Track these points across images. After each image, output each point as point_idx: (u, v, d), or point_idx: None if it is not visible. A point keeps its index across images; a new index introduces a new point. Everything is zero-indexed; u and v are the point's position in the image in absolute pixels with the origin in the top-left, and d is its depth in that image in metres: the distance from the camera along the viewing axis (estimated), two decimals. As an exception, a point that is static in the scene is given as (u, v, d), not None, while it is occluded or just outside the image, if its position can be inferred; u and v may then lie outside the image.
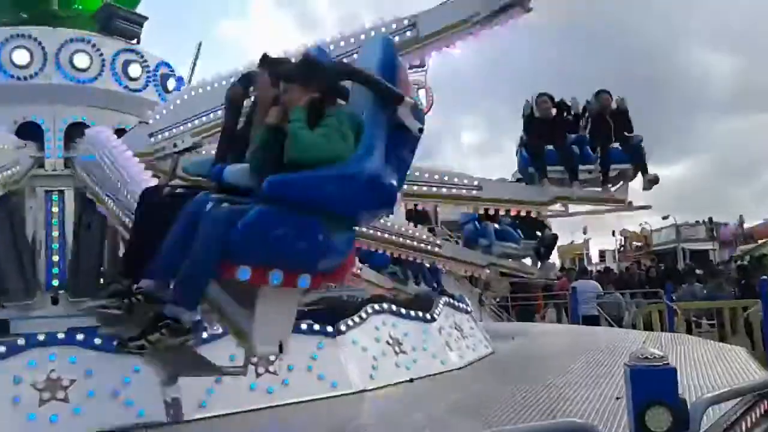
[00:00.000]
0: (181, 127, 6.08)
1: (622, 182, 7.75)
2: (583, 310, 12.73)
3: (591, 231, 37.33)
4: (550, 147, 7.64)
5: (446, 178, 7.54)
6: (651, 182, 7.44)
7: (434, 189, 7.48)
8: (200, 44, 12.42)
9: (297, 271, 2.99)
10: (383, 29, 5.28)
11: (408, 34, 5.39)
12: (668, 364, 1.74)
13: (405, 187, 6.49)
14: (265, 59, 3.59)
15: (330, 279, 3.47)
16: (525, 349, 8.13)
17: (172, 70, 7.71)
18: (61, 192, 6.47)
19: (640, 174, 7.56)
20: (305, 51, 3.68)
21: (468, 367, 6.38)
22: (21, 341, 4.41)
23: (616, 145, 7.61)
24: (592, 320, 12.42)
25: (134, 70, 7.23)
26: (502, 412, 4.30)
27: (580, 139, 7.78)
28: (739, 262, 20.39)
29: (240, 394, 4.77)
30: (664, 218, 34.67)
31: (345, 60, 4.47)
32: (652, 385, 1.73)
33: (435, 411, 4.79)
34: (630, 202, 7.75)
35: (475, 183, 7.52)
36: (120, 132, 6.44)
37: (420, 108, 3.55)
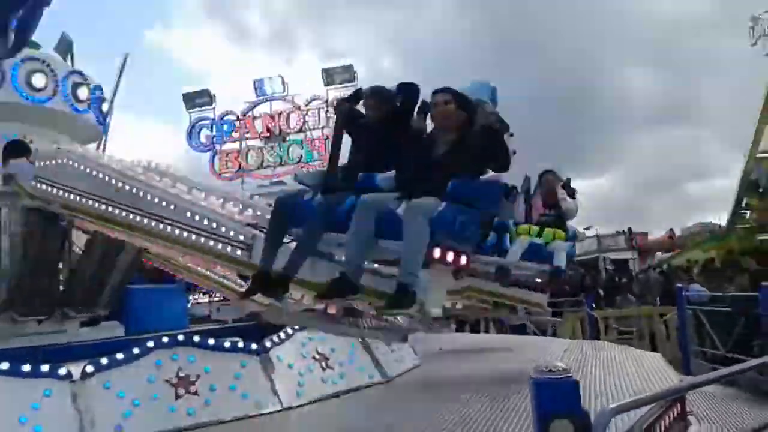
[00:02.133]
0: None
1: None
2: (509, 319, 12.96)
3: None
4: None
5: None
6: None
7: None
8: (126, 56, 12.10)
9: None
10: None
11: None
12: (571, 376, 1.78)
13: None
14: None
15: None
16: (451, 358, 8.21)
17: (85, 79, 7.50)
18: None
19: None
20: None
21: (395, 380, 6.39)
22: None
23: None
24: (519, 329, 12.67)
25: (83, 92, 7.07)
26: (421, 423, 4.33)
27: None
28: (658, 270, 21.26)
29: (158, 416, 4.63)
30: (586, 229, 35.89)
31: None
32: (555, 397, 1.76)
33: (361, 426, 4.77)
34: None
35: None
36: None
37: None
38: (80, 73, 7.22)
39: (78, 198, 6.06)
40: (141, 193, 5.75)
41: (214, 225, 5.19)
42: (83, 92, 7.08)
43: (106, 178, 6.02)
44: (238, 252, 4.96)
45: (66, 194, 6.11)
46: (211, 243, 5.18)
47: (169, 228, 5.50)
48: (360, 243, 3.76)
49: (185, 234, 5.37)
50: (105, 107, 7.78)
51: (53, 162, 6.39)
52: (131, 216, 5.74)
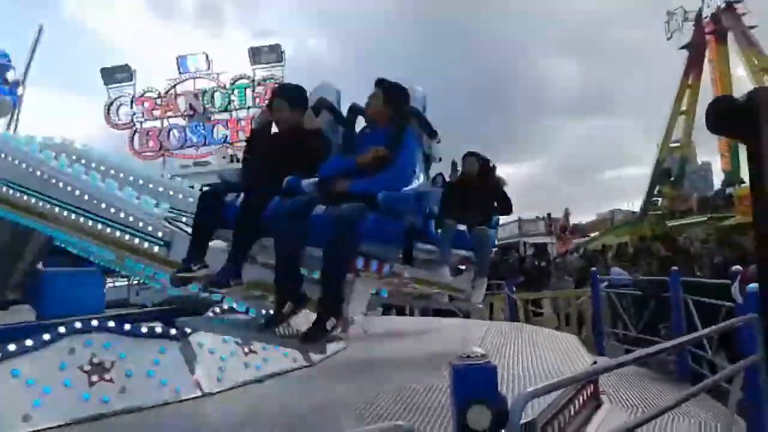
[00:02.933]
0: None
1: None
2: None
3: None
4: None
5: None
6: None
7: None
8: (41, 27, 11.45)
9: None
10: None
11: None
12: (489, 362, 1.81)
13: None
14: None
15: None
16: (376, 342, 8.27)
17: (9, 61, 7.08)
18: None
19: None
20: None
21: (320, 363, 6.37)
22: None
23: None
24: (442, 311, 12.89)
25: None
26: (346, 408, 4.35)
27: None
28: (576, 254, 22.07)
29: (71, 405, 4.46)
30: (509, 214, 36.87)
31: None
32: (473, 383, 1.79)
33: (283, 411, 4.75)
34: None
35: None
36: None
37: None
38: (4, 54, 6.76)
39: None
40: (53, 180, 5.48)
41: (131, 218, 5.01)
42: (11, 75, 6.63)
43: (16, 162, 5.70)
44: (156, 248, 4.81)
45: None
46: (127, 237, 5.00)
47: (81, 219, 5.27)
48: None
49: (99, 226, 5.16)
50: (11, 76, 7.26)
51: None
52: (41, 203, 5.46)
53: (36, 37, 10.53)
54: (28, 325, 5.62)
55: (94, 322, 4.93)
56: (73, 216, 5.33)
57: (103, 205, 5.19)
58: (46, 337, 4.64)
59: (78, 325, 4.82)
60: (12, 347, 4.47)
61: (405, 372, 5.63)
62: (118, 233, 5.10)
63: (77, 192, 5.37)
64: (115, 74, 30.34)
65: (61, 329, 4.72)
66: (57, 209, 5.42)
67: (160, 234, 4.83)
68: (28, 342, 4.55)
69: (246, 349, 5.74)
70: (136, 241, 5.00)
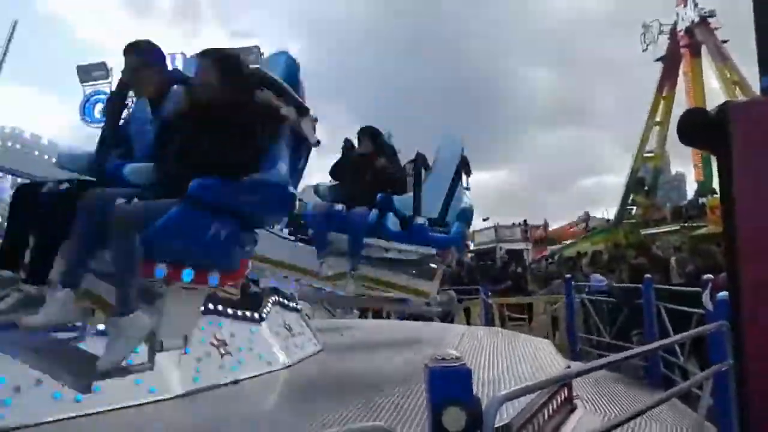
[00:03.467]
0: None
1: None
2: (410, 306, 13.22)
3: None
4: None
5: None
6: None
7: None
8: (15, 22, 11.26)
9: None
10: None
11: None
12: (464, 364, 1.84)
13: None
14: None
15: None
16: (351, 344, 8.28)
17: None
18: None
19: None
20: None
21: (295, 366, 6.37)
22: None
23: None
24: (418, 316, 12.93)
25: None
26: (321, 411, 4.35)
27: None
28: (549, 261, 22.27)
29: (42, 404, 4.39)
30: (485, 220, 37.26)
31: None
32: (448, 385, 1.82)
33: (255, 413, 4.73)
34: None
35: None
36: None
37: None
38: None
39: None
40: None
41: None
42: None
43: None
44: None
45: None
46: None
47: None
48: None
49: None
50: None
51: None
52: None
53: (10, 33, 10.29)
54: None
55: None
56: None
57: None
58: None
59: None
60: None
61: (380, 375, 5.65)
62: None
63: None
64: (92, 72, 29.93)
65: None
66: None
67: None
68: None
69: (222, 351, 5.71)
70: None
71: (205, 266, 3.15)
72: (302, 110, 3.42)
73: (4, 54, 10.68)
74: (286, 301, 7.43)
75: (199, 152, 3.13)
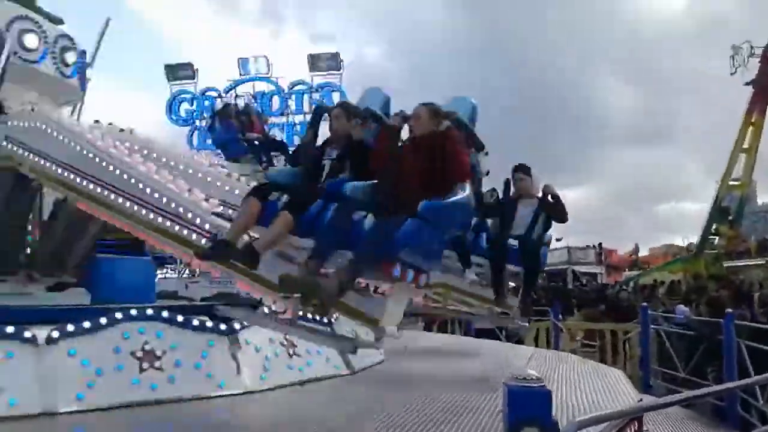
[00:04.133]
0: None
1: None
2: (477, 323, 13.08)
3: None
4: None
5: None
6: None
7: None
8: (108, 20, 11.86)
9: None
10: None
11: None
12: (544, 386, 1.82)
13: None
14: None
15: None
16: (416, 358, 8.25)
17: (74, 44, 7.33)
18: None
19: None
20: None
21: (359, 374, 6.41)
22: None
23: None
24: (485, 333, 12.77)
25: (30, 40, 6.82)
26: (386, 420, 4.35)
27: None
28: (622, 288, 21.57)
29: (121, 389, 4.60)
30: (558, 240, 36.35)
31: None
32: (527, 405, 1.80)
33: (318, 417, 4.79)
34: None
35: None
36: None
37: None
38: (69, 38, 7.04)
39: (46, 163, 5.93)
40: (110, 167, 5.64)
41: (181, 210, 5.11)
42: (71, 56, 6.91)
43: (77, 147, 5.88)
44: (203, 241, 4.91)
45: (35, 158, 5.98)
46: (177, 228, 5.10)
47: (135, 207, 5.40)
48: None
49: (151, 215, 5.28)
50: (70, 58, 7.55)
51: (25, 124, 6.23)
52: (97, 188, 5.62)
53: (102, 29, 10.81)
54: (86, 308, 5.78)
55: (149, 311, 5.07)
56: (127, 203, 5.45)
57: (156, 195, 5.30)
58: (103, 320, 4.79)
59: (134, 312, 4.97)
60: (70, 327, 4.64)
61: (445, 389, 5.60)
62: (168, 223, 5.18)
63: (132, 180, 5.49)
64: (179, 71, 31.07)
65: (118, 315, 4.87)
66: (111, 195, 5.56)
67: (207, 227, 4.90)
68: (86, 324, 4.71)
69: (291, 351, 5.81)
70: (185, 232, 5.09)
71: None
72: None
73: (97, 49, 11.25)
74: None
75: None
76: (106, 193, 5.58)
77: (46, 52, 6.67)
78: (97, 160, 5.70)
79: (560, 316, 12.47)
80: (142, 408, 4.59)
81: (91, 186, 5.66)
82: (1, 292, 6.02)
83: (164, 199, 5.25)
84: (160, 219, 5.23)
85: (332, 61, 30.32)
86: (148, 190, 5.34)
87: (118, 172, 5.55)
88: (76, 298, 6.60)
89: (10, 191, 6.02)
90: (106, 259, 7.52)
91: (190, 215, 5.06)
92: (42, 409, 4.26)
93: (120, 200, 5.51)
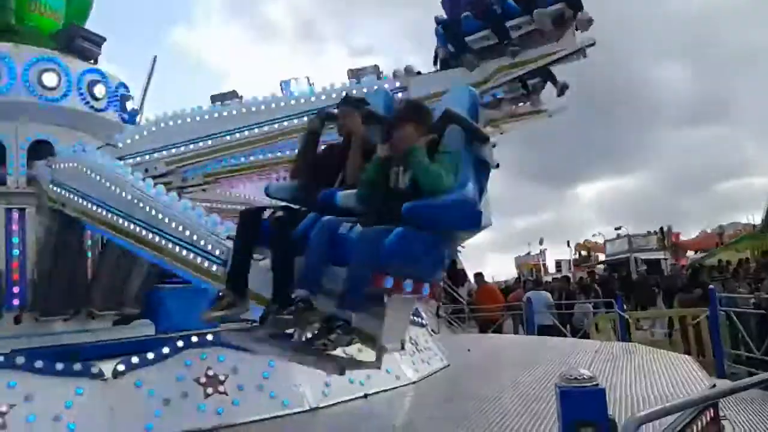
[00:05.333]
0: (155, 155, 6.05)
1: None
2: (538, 319, 12.90)
3: (547, 241, 37.94)
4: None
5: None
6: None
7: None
8: (155, 58, 12.23)
9: (423, 281, 3.56)
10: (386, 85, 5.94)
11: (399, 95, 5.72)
12: (597, 384, 1.76)
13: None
14: (349, 99, 4.44)
15: (436, 287, 4.19)
16: (479, 361, 8.18)
17: (129, 92, 7.64)
18: (22, 210, 6.27)
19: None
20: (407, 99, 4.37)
21: (423, 381, 6.38)
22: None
23: None
24: (547, 330, 12.57)
25: (99, 90, 7.13)
26: (451, 429, 4.31)
27: None
28: (689, 271, 20.88)
29: (189, 415, 4.70)
30: (617, 229, 35.53)
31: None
32: (581, 405, 1.75)
33: (387, 427, 4.78)
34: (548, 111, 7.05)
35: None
36: None
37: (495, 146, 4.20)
38: (97, 71, 7.24)
39: (89, 205, 6.00)
40: (135, 201, 5.73)
41: (195, 237, 5.10)
42: (100, 90, 7.10)
43: (117, 190, 5.97)
44: (214, 267, 4.88)
45: (79, 200, 6.06)
46: (191, 256, 5.09)
47: (156, 238, 5.42)
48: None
49: (170, 245, 5.31)
50: (129, 105, 7.80)
51: (69, 165, 6.39)
52: (131, 226, 5.70)
53: (150, 68, 11.17)
54: (149, 339, 5.97)
55: (209, 337, 5.16)
56: (149, 236, 5.53)
57: (174, 224, 5.35)
58: (165, 350, 4.91)
59: (194, 339, 5.07)
60: (135, 359, 4.77)
61: (508, 392, 5.53)
62: (184, 252, 5.26)
63: (153, 211, 5.57)
64: (225, 100, 31.88)
65: (179, 343, 4.99)
66: (137, 229, 5.67)
67: (217, 252, 4.96)
68: (149, 355, 4.83)
69: (351, 365, 5.82)
70: (198, 259, 5.07)
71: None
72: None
73: (146, 87, 11.57)
74: (411, 316, 7.46)
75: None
76: (138, 229, 5.68)
77: (70, 88, 6.84)
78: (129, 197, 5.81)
79: (624, 306, 12.15)
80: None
81: (126, 223, 5.77)
82: (69, 330, 6.23)
83: (180, 227, 5.29)
84: (177, 248, 5.28)
85: (373, 75, 30.55)
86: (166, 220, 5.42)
87: (148, 208, 5.64)
88: (141, 330, 6.78)
89: (66, 230, 6.22)
90: (168, 289, 7.73)
91: (202, 242, 5.05)
92: (114, 441, 4.38)
93: (150, 236, 5.59)
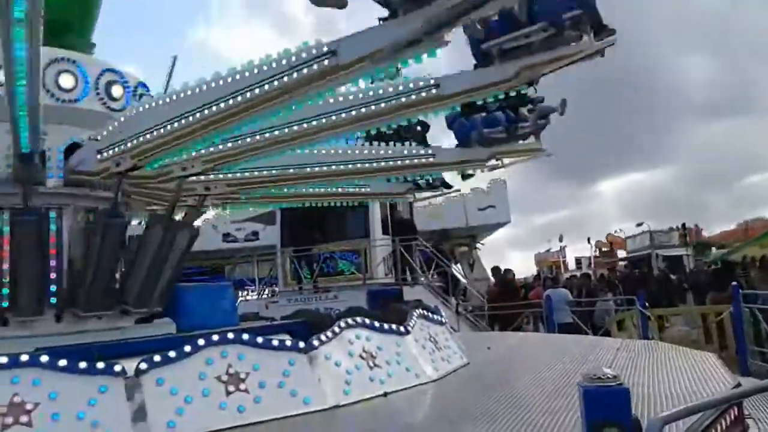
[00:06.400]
0: (122, 146, 6.04)
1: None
2: (558, 317, 12.85)
3: (567, 238, 37.68)
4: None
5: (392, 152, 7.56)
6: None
7: (390, 163, 7.53)
8: (175, 58, 12.30)
9: None
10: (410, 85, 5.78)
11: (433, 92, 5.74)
12: (621, 383, 1.74)
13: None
14: None
15: None
16: (499, 359, 8.15)
17: (149, 91, 7.64)
18: (60, 209, 6.38)
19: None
20: None
21: (443, 380, 6.38)
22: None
23: None
24: (566, 327, 12.51)
25: (117, 90, 7.14)
26: (472, 427, 4.31)
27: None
28: (712, 267, 20.64)
29: (210, 414, 4.73)
30: (638, 225, 35.25)
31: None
32: (605, 405, 1.73)
33: (408, 425, 4.78)
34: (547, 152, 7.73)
35: (430, 151, 7.69)
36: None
37: None
38: (114, 71, 7.24)
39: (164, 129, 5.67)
40: None
41: None
42: (117, 90, 7.10)
43: None
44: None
45: (142, 137, 5.81)
46: None
47: None
48: None
49: None
50: None
51: (116, 123, 6.30)
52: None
53: (171, 68, 11.19)
54: (170, 337, 6.00)
55: (230, 335, 5.20)
56: None
57: None
58: (187, 348, 4.95)
59: (215, 337, 5.11)
60: (157, 358, 4.81)
61: (530, 391, 5.50)
62: None
63: None
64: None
65: (200, 341, 5.02)
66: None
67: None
68: (171, 353, 4.87)
69: (371, 363, 5.84)
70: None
71: None
72: None
73: (167, 87, 11.61)
74: (431, 314, 7.47)
75: None
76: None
77: (87, 89, 6.86)
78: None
79: (645, 304, 12.05)
80: (232, 431, 4.70)
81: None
82: (97, 328, 6.30)
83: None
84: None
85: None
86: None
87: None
88: (163, 328, 6.84)
89: (102, 228, 6.29)
90: (188, 287, 7.79)
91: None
92: (137, 439, 4.43)
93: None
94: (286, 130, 5.98)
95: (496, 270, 17.39)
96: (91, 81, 6.91)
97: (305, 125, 5.95)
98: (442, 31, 4.75)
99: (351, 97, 5.88)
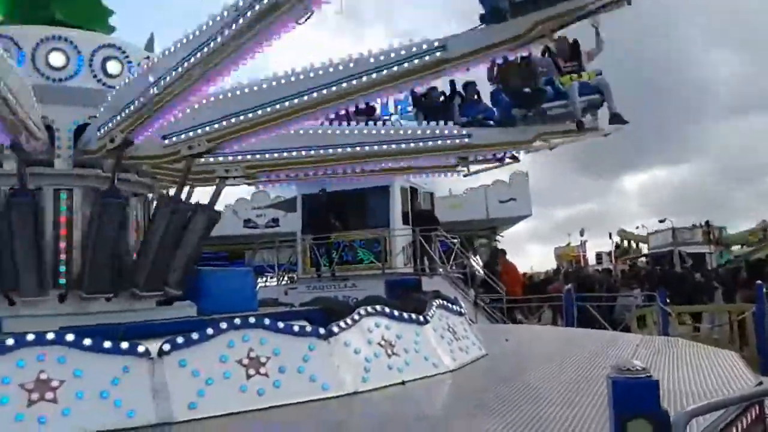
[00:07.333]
0: (199, 131, 6.12)
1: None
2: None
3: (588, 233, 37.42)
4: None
5: (429, 132, 7.45)
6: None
7: (420, 144, 7.42)
8: (152, 36, 12.23)
9: None
10: (413, 49, 5.71)
11: (438, 54, 5.66)
12: (650, 376, 1.73)
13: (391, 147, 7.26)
14: None
15: None
16: (518, 351, 8.13)
17: (123, 52, 7.36)
18: (70, 190, 6.41)
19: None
20: None
21: (460, 370, 6.38)
22: (10, 341, 4.40)
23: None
24: (586, 322, 12.43)
25: (113, 66, 6.99)
26: (490, 417, 4.30)
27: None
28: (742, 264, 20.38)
29: (230, 396, 4.78)
30: (661, 221, 34.87)
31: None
32: (634, 397, 1.72)
33: (426, 414, 4.79)
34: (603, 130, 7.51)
35: (464, 131, 7.50)
36: None
37: None
38: (113, 46, 7.01)
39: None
40: None
41: None
42: (114, 66, 6.90)
43: None
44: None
45: (127, 110, 5.87)
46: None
47: None
48: None
49: None
50: None
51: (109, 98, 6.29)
52: None
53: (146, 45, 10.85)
54: (193, 320, 6.06)
55: (252, 319, 5.24)
56: None
57: None
58: (209, 331, 4.99)
59: (237, 321, 5.15)
60: (180, 339, 4.86)
61: (547, 383, 5.49)
62: None
63: None
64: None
65: (223, 324, 5.06)
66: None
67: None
68: (194, 335, 4.92)
69: (389, 351, 5.85)
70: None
71: None
72: None
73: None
74: (449, 305, 7.46)
75: None
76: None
77: (81, 66, 6.72)
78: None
79: (666, 300, 11.94)
80: (252, 413, 4.75)
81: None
82: (112, 310, 6.36)
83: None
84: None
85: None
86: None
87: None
88: (183, 311, 6.91)
89: (112, 211, 6.29)
90: (209, 271, 7.86)
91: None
92: (158, 419, 4.48)
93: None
94: (287, 104, 5.93)
95: (494, 252, 17.59)
96: (85, 58, 6.76)
97: (305, 98, 5.90)
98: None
99: (352, 65, 5.81)
